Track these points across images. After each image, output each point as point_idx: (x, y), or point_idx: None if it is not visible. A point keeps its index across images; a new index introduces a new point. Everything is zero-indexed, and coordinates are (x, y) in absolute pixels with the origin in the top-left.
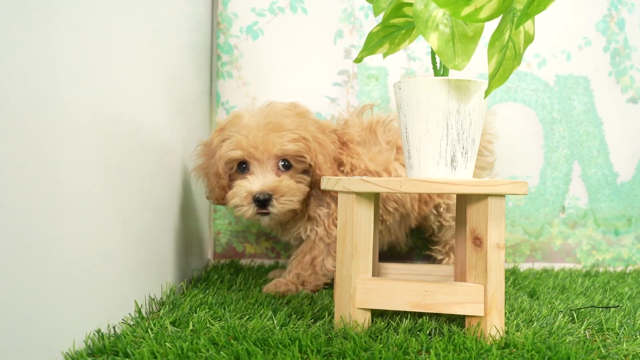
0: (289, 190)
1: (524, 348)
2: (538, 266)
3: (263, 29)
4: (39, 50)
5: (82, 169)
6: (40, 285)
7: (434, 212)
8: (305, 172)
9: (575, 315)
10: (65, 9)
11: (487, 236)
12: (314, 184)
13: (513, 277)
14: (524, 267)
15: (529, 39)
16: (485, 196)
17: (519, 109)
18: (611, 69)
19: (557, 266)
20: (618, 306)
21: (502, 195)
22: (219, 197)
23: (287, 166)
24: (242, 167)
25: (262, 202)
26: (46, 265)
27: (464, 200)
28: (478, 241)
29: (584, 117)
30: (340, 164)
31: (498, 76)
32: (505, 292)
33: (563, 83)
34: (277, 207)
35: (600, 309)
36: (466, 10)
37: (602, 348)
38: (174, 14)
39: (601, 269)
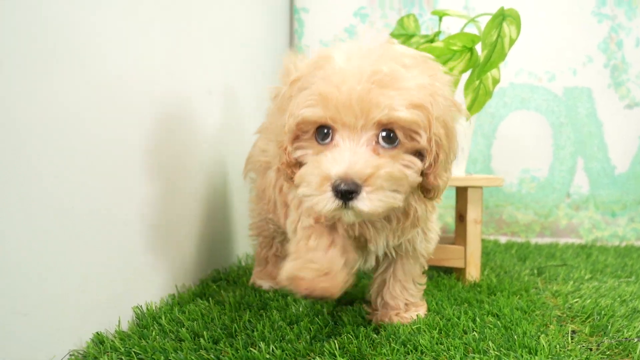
0: (391, 181)
1: (483, 286)
2: (547, 241)
3: None
4: None
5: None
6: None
7: None
8: (417, 154)
9: (536, 271)
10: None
11: (467, 214)
12: (421, 186)
13: (517, 248)
14: (534, 241)
15: (495, 81)
16: (466, 187)
17: (532, 115)
18: (610, 82)
19: (562, 241)
20: (565, 264)
21: (479, 187)
22: (289, 178)
23: (392, 141)
24: (322, 133)
25: (345, 194)
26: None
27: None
28: (461, 218)
29: (587, 120)
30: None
31: (474, 107)
32: (500, 257)
33: (570, 94)
34: (368, 204)
35: (555, 266)
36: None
37: (539, 285)
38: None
39: (599, 244)
